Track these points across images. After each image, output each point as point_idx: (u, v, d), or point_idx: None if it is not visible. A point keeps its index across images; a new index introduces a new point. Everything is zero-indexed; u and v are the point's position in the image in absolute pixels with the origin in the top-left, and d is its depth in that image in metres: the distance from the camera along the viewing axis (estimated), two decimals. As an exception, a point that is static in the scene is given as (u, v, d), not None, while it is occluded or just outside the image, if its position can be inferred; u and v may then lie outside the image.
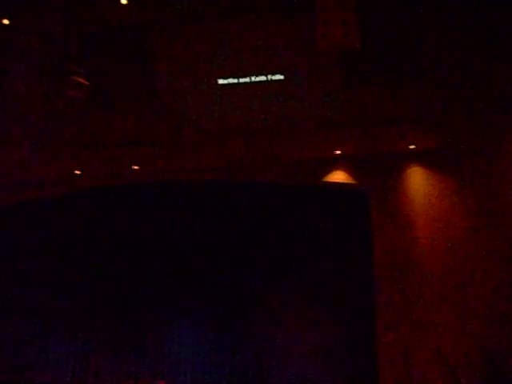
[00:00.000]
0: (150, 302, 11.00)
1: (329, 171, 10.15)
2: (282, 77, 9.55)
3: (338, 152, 9.95)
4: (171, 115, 9.89)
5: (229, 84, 9.69)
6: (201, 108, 9.84)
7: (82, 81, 8.24)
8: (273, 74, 9.61)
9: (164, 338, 10.97)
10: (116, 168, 10.79)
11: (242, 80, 9.67)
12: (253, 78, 9.64)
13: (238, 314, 10.67)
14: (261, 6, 9.48)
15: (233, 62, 9.69)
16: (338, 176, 10.09)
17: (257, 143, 9.82)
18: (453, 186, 9.55)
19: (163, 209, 10.88)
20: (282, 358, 10.33)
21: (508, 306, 8.70)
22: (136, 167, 10.65)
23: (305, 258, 9.89)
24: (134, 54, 10.15)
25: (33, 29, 9.59)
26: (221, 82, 9.71)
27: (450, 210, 9.48)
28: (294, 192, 10.26)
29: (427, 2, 9.20)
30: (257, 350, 10.48)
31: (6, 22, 9.46)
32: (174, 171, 10.76)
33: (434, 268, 9.36)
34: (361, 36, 6.86)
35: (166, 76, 9.96)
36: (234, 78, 9.71)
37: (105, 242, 11.20)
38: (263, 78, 9.60)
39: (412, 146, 9.69)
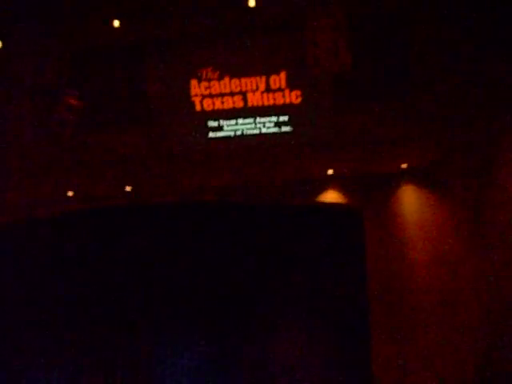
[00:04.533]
0: (142, 324, 10.92)
1: (322, 191, 10.18)
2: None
3: (331, 172, 9.99)
4: (163, 136, 9.94)
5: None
6: (190, 137, 9.95)
7: (75, 102, 8.27)
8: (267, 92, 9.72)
9: (157, 361, 10.86)
10: (108, 190, 10.77)
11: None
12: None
13: (234, 331, 10.61)
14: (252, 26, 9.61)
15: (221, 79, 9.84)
16: (331, 196, 10.12)
17: (250, 164, 9.85)
18: (444, 205, 9.59)
19: (151, 230, 10.81)
20: (279, 373, 10.26)
21: (499, 323, 8.68)
22: (129, 189, 10.63)
23: (299, 277, 9.89)
24: (126, 75, 10.20)
25: (26, 51, 9.63)
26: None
27: (441, 229, 9.52)
28: (288, 211, 10.27)
29: (417, 22, 9.32)
30: (253, 366, 10.42)
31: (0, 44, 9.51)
32: (164, 193, 10.75)
33: (425, 285, 9.38)
34: (351, 57, 6.92)
35: (157, 97, 10.04)
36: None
37: (97, 263, 11.13)
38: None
39: (404, 165, 9.74)
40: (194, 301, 10.73)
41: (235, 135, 9.85)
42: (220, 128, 9.89)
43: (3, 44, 9.33)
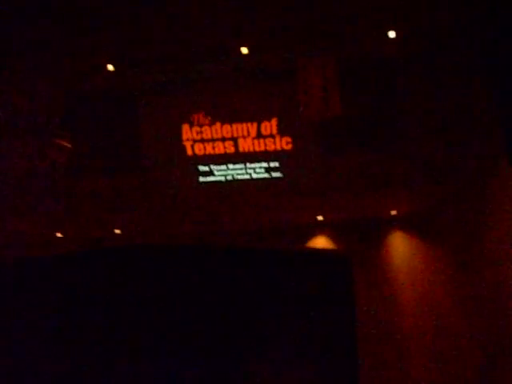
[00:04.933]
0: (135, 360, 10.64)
1: (311, 237, 10.18)
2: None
3: (321, 218, 10.00)
4: (153, 179, 9.96)
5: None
6: (181, 181, 10.00)
7: (65, 144, 8.30)
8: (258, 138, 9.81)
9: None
10: (98, 231, 10.71)
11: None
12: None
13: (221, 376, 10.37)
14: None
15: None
16: (321, 241, 10.12)
17: (240, 209, 9.85)
18: (433, 252, 9.59)
19: (141, 272, 10.69)
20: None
21: (494, 366, 8.58)
22: (118, 231, 10.59)
23: (286, 322, 9.77)
24: (118, 119, 10.27)
25: (19, 91, 9.69)
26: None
27: (430, 276, 9.49)
28: (276, 257, 10.22)
29: (407, 70, 9.51)
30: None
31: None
32: (152, 235, 10.70)
33: (415, 332, 9.29)
34: (341, 104, 7.03)
35: (148, 141, 10.10)
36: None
37: (88, 304, 10.94)
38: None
39: (393, 212, 9.77)
40: (188, 341, 10.51)
41: (226, 180, 9.88)
42: (211, 173, 9.93)
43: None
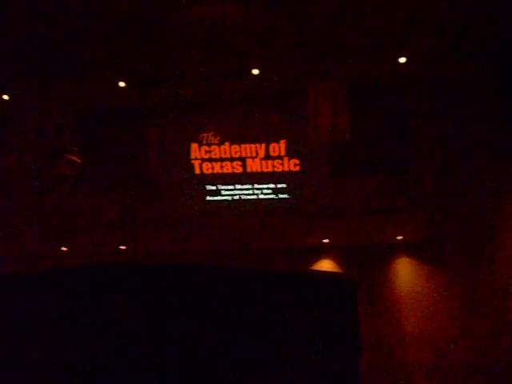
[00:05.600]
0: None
1: (317, 259, 10.14)
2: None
3: (327, 241, 9.97)
4: (161, 197, 9.99)
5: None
6: (188, 199, 10.02)
7: (75, 159, 8.35)
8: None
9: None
10: (103, 247, 10.71)
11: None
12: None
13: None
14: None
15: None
16: (326, 264, 10.07)
17: (246, 229, 9.84)
18: (439, 279, 9.52)
19: (144, 289, 10.63)
20: None
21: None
22: (123, 247, 10.58)
23: (288, 345, 9.68)
24: (127, 137, 10.33)
25: (31, 106, 9.79)
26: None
27: (435, 303, 9.41)
28: (280, 278, 10.17)
29: (416, 94, 9.54)
30: None
31: (5, 97, 9.70)
32: (157, 252, 10.68)
33: (417, 359, 9.18)
34: (350, 128, 7.05)
35: (157, 159, 10.15)
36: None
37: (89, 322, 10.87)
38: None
39: (400, 237, 9.73)
40: (189, 360, 10.42)
41: (233, 200, 9.89)
42: (218, 192, 9.95)
43: (9, 98, 9.53)
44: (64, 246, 10.70)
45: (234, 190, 9.95)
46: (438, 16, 7.91)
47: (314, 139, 7.13)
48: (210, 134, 10.04)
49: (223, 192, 9.94)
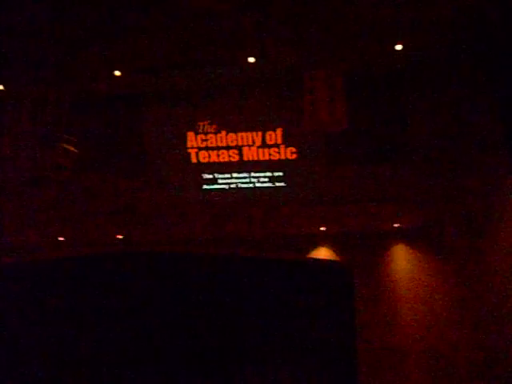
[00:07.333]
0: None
1: (314, 247, 10.16)
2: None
3: (323, 228, 9.99)
4: (157, 186, 10.00)
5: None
6: (184, 188, 10.03)
7: (71, 148, 8.33)
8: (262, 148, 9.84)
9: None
10: (100, 237, 10.71)
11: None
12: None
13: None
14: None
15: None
16: (323, 252, 10.09)
17: (243, 217, 9.85)
18: (436, 265, 9.56)
19: (139, 278, 10.63)
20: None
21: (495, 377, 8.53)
22: (120, 236, 10.58)
23: (286, 331, 9.70)
24: (123, 125, 10.31)
25: (27, 95, 9.75)
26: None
27: (433, 288, 9.46)
28: (277, 265, 10.19)
29: (413, 84, 9.54)
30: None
31: (0, 87, 9.65)
32: (155, 241, 10.69)
33: (413, 345, 9.25)
34: (347, 116, 7.03)
35: (153, 147, 10.14)
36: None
37: (85, 311, 10.89)
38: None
39: (396, 225, 9.76)
40: (187, 351, 10.46)
41: (229, 188, 9.90)
42: (215, 180, 9.95)
43: (4, 87, 9.49)
44: (60, 236, 10.70)
45: (231, 178, 9.95)
46: (435, 8, 7.89)
47: (311, 127, 7.09)
48: (206, 123, 10.03)
49: (220, 181, 9.94)
